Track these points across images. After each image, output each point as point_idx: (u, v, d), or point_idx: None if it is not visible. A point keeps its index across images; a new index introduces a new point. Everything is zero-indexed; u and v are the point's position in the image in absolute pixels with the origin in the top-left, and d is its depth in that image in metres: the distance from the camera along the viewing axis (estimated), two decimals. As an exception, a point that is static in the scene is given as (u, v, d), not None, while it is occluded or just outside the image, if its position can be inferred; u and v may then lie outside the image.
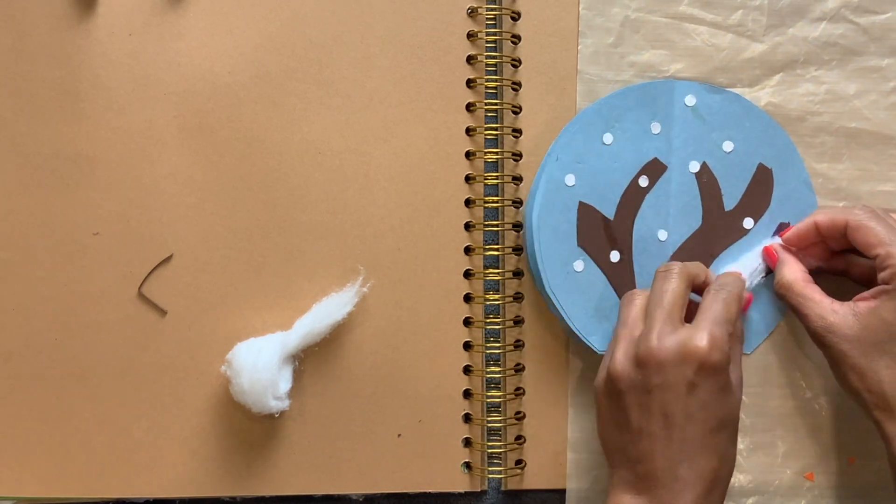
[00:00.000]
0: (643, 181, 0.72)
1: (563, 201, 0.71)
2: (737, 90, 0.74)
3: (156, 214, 0.70)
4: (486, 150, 0.73)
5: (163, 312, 0.70)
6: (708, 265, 0.73)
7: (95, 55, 0.70)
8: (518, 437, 0.73)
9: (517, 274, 0.73)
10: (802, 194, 0.74)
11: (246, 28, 0.71)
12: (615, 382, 0.64)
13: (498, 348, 0.73)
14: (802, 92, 0.75)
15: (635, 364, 0.63)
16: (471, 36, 0.73)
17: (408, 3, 0.72)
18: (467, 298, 0.73)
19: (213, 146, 0.71)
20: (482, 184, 0.73)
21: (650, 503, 0.62)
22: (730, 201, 0.74)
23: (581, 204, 0.72)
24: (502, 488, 0.73)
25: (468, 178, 0.73)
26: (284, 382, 0.69)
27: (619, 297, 0.72)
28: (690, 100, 0.73)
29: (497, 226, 0.73)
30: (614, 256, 0.72)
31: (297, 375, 0.71)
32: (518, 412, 0.73)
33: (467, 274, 0.73)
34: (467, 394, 0.73)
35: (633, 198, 0.72)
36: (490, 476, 0.73)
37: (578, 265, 0.71)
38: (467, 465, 0.73)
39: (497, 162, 0.73)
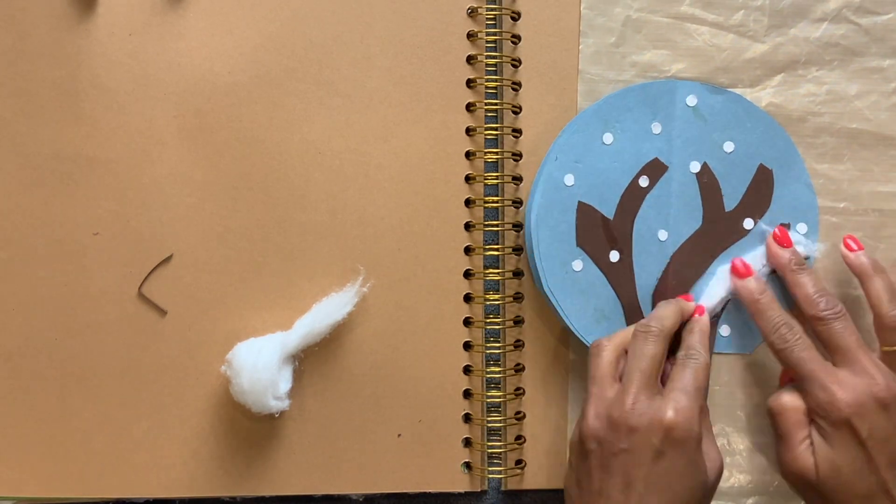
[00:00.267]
0: (643, 181, 0.72)
1: (563, 201, 0.71)
2: (738, 90, 0.74)
3: (156, 214, 0.70)
4: (486, 150, 0.73)
5: (163, 312, 0.70)
6: (707, 265, 0.73)
7: (95, 55, 0.70)
8: (518, 437, 0.73)
9: (517, 274, 0.73)
10: (803, 195, 0.74)
11: (246, 28, 0.71)
12: (584, 441, 0.64)
13: (498, 348, 0.73)
14: (804, 92, 0.75)
15: (607, 425, 0.63)
16: (471, 36, 0.73)
17: (408, 3, 0.72)
18: (467, 298, 0.73)
19: (213, 146, 0.71)
20: (482, 184, 0.73)
21: None
22: (730, 202, 0.73)
23: (580, 204, 0.71)
24: (502, 488, 0.73)
25: (468, 178, 0.73)
26: (284, 382, 0.69)
27: (619, 296, 0.72)
28: (692, 100, 0.73)
29: (497, 226, 0.73)
30: (614, 256, 0.72)
31: (297, 375, 0.71)
32: (518, 412, 0.73)
33: (467, 274, 0.73)
34: (467, 394, 0.73)
35: (633, 198, 0.72)
36: (490, 476, 0.73)
37: (577, 265, 0.71)
38: (467, 465, 0.73)
39: (497, 162, 0.73)
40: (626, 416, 0.62)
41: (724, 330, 0.73)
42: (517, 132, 0.73)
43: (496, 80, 0.73)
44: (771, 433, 0.72)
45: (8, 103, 0.70)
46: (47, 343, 0.70)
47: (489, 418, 0.72)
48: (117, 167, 0.70)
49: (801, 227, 0.74)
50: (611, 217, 0.72)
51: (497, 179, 0.73)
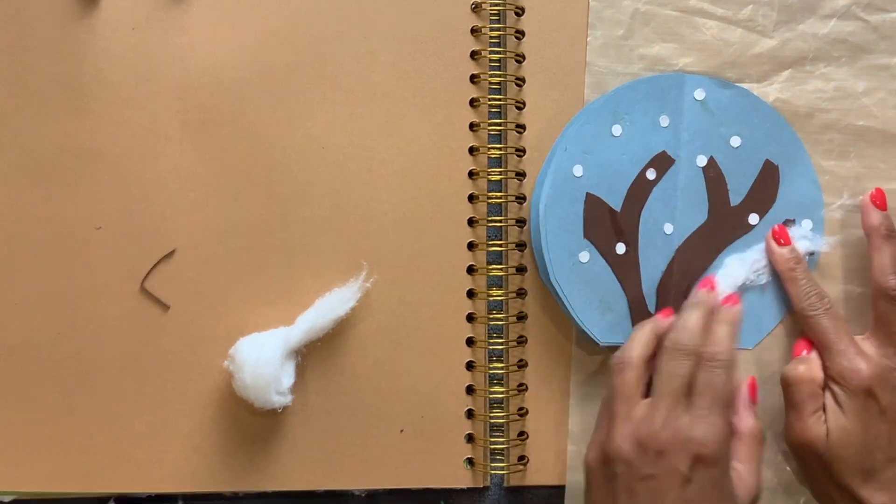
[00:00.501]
0: (651, 174, 0.72)
1: (571, 192, 0.71)
2: (745, 85, 0.74)
3: (159, 209, 0.70)
4: (490, 146, 0.73)
5: (165, 307, 0.71)
6: (712, 260, 0.73)
7: (98, 50, 0.70)
8: (521, 434, 0.73)
9: (520, 270, 0.73)
10: (809, 192, 0.74)
11: (249, 23, 0.71)
12: (611, 463, 0.62)
13: (501, 344, 0.73)
14: (811, 88, 0.74)
15: (636, 447, 0.62)
16: (474, 31, 0.73)
17: (411, -2, 0.72)
18: (470, 294, 0.73)
19: (216, 141, 0.71)
20: (485, 179, 0.73)
21: None
22: (736, 196, 0.73)
23: (588, 195, 0.71)
24: (505, 484, 0.73)
25: (471, 174, 0.72)
26: (287, 377, 0.69)
27: (624, 289, 0.71)
28: (700, 94, 0.73)
29: (500, 221, 0.73)
30: (620, 248, 0.71)
31: (300, 371, 0.71)
32: (521, 408, 0.73)
33: (470, 269, 0.73)
34: (470, 390, 0.73)
35: (640, 190, 0.72)
36: (493, 472, 0.73)
37: (584, 256, 0.71)
38: (470, 462, 0.73)
39: (500, 157, 0.73)
40: (655, 438, 0.61)
41: (728, 326, 0.73)
42: (521, 128, 0.73)
43: (500, 76, 0.73)
44: (771, 430, 0.73)
45: (11, 98, 0.70)
46: (49, 338, 0.70)
47: (492, 414, 0.72)
48: (120, 162, 0.70)
49: (806, 224, 0.73)
50: (618, 209, 0.71)
51: (500, 175, 0.73)
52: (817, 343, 0.69)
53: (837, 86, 0.74)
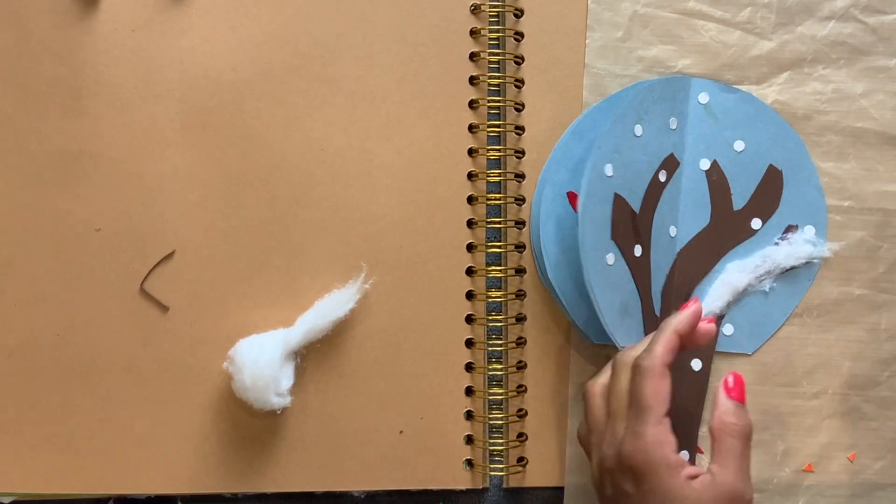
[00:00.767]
0: (662, 176, 0.72)
1: (602, 192, 0.68)
2: (744, 87, 0.74)
3: (158, 211, 0.70)
4: (489, 148, 0.73)
5: (165, 309, 0.71)
6: (714, 264, 0.73)
7: (98, 52, 0.70)
8: (520, 435, 0.73)
9: (519, 271, 0.73)
10: (812, 198, 0.74)
11: (249, 25, 0.71)
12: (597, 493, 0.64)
13: (500, 345, 0.73)
14: (809, 90, 0.74)
15: (600, 474, 0.63)
16: (474, 33, 0.73)
17: (411, 0, 0.72)
18: (469, 296, 0.73)
19: (215, 143, 0.71)
20: (485, 181, 0.73)
21: None
22: (739, 201, 0.73)
23: (616, 196, 0.69)
24: (504, 486, 0.73)
25: (471, 176, 0.73)
26: (286, 379, 0.69)
27: (640, 292, 0.71)
28: (704, 97, 0.73)
29: (499, 223, 0.73)
30: (637, 250, 0.71)
31: (299, 372, 0.71)
32: (520, 409, 0.73)
33: (469, 271, 0.73)
34: (469, 391, 0.73)
35: (654, 192, 0.71)
36: (492, 473, 0.73)
37: (610, 258, 0.69)
38: (469, 463, 0.73)
39: (500, 159, 0.73)
40: (605, 462, 0.62)
41: (728, 329, 0.73)
42: (520, 129, 0.73)
43: (499, 78, 0.73)
44: (770, 431, 0.73)
45: (10, 99, 0.70)
46: (49, 339, 0.70)
47: (491, 415, 0.73)
48: (119, 163, 0.70)
49: (809, 230, 0.73)
50: (637, 210, 0.71)
51: (499, 176, 0.73)
52: None
53: (836, 87, 0.74)
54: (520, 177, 0.73)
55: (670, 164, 0.72)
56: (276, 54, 0.71)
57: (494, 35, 0.73)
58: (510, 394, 0.73)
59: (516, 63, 0.73)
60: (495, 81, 0.73)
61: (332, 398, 0.71)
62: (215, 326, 0.71)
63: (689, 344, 0.64)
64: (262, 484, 0.71)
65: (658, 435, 0.60)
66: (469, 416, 0.73)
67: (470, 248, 0.73)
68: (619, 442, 0.61)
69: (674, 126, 0.72)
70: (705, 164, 0.73)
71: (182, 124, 0.71)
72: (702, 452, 0.73)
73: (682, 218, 0.72)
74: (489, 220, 0.73)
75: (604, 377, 0.65)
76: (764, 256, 0.73)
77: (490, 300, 0.73)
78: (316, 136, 0.71)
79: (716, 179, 0.73)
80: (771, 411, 0.73)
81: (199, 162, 0.71)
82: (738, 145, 0.73)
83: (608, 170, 0.68)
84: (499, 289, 0.73)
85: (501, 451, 0.73)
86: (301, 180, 0.71)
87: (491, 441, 0.72)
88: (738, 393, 0.63)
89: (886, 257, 0.74)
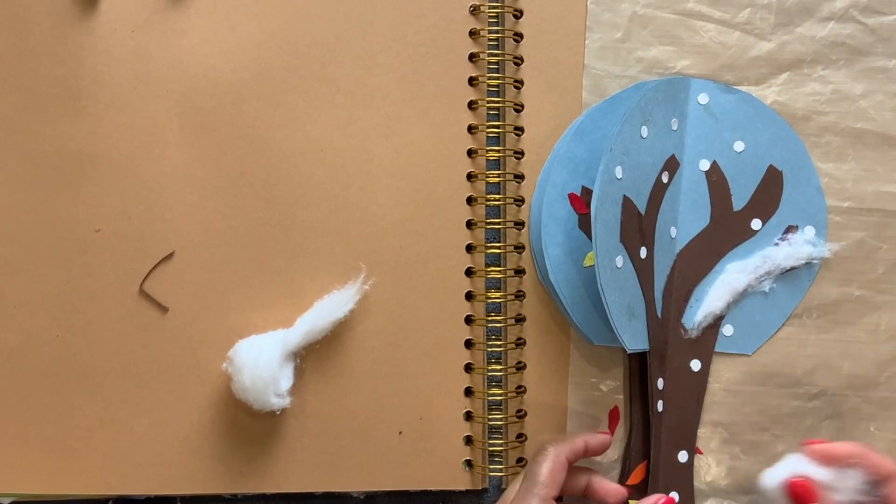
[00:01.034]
0: (665, 177, 0.72)
1: (613, 194, 0.68)
2: (743, 88, 0.74)
3: (157, 211, 0.70)
4: (488, 148, 0.73)
5: (164, 310, 0.71)
6: (714, 264, 0.73)
7: (98, 52, 0.70)
8: (519, 436, 0.73)
9: (519, 272, 0.73)
10: (812, 198, 0.74)
11: (248, 25, 0.71)
12: None
13: (499, 346, 0.73)
14: (809, 91, 0.74)
15: None
16: (473, 34, 0.73)
17: (410, 0, 0.72)
18: (469, 296, 0.73)
19: (215, 143, 0.71)
20: (484, 182, 0.73)
21: None
22: (739, 202, 0.73)
23: (625, 198, 0.69)
24: (503, 486, 0.73)
25: (470, 176, 0.73)
26: (286, 380, 0.69)
27: (644, 294, 0.71)
28: (703, 98, 0.73)
29: (499, 223, 0.73)
30: (643, 252, 0.70)
31: (299, 373, 0.71)
32: (519, 410, 0.73)
33: (469, 272, 0.73)
34: (468, 391, 0.73)
35: (657, 193, 0.71)
36: (491, 474, 0.73)
37: (619, 261, 0.69)
38: (468, 463, 0.73)
39: (499, 160, 0.73)
40: None
41: (728, 330, 0.73)
42: (519, 130, 0.73)
43: (498, 78, 0.73)
44: (769, 432, 0.73)
45: (10, 100, 0.70)
46: (48, 340, 0.70)
47: (490, 416, 0.72)
48: (119, 164, 0.70)
49: (809, 231, 0.73)
50: (643, 212, 0.71)
51: (499, 177, 0.73)
52: None
53: (835, 88, 0.74)
54: (519, 177, 0.73)
55: (671, 165, 0.72)
56: (276, 54, 0.71)
57: (494, 36, 0.73)
58: (509, 394, 0.73)
59: (515, 64, 0.73)
60: (494, 82, 0.73)
61: (331, 399, 0.71)
62: (215, 327, 0.71)
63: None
64: (261, 484, 0.71)
65: None
66: (468, 416, 0.73)
67: (469, 248, 0.73)
68: None
69: (675, 127, 0.72)
70: (705, 165, 0.73)
71: (182, 125, 0.71)
72: (701, 453, 0.73)
73: (682, 219, 0.72)
74: (488, 220, 0.73)
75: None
76: (764, 257, 0.73)
77: (489, 301, 0.73)
78: (315, 136, 0.71)
79: (715, 180, 0.73)
80: (770, 412, 0.73)
81: (198, 162, 0.71)
82: (738, 146, 0.73)
83: (618, 172, 0.68)
84: (498, 289, 0.73)
85: (501, 451, 0.73)
86: (300, 181, 0.71)
87: (490, 442, 0.72)
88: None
89: (886, 258, 0.74)
